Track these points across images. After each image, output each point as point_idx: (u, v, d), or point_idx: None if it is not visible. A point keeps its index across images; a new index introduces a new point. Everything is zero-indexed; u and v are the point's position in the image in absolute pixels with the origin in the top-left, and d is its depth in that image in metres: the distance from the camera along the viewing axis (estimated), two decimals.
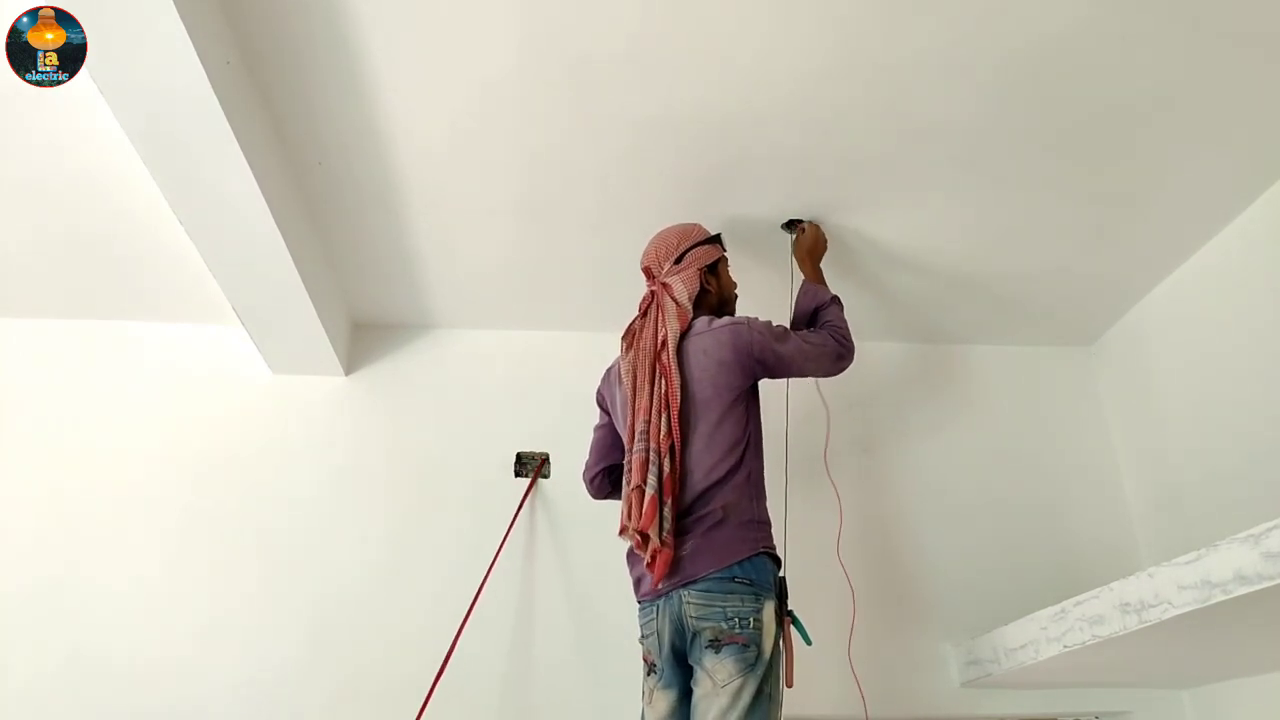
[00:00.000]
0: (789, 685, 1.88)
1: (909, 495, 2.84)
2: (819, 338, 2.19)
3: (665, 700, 1.91)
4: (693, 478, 1.94)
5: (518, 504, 2.66)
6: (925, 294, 2.79)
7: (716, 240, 2.24)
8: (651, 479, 1.88)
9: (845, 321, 2.28)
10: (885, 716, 2.50)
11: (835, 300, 2.31)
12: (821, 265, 2.43)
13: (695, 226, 2.25)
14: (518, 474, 2.75)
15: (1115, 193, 2.39)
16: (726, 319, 2.10)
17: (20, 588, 2.52)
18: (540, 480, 2.75)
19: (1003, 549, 2.77)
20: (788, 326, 2.22)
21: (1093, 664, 2.21)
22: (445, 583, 2.58)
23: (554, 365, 2.89)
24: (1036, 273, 2.71)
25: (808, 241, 2.42)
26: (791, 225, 2.46)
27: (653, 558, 1.87)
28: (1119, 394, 2.97)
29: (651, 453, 1.91)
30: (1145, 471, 2.83)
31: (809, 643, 1.95)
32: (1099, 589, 1.96)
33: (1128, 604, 1.86)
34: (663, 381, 1.99)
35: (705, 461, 1.95)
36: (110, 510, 2.62)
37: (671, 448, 1.92)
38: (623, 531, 1.95)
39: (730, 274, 2.30)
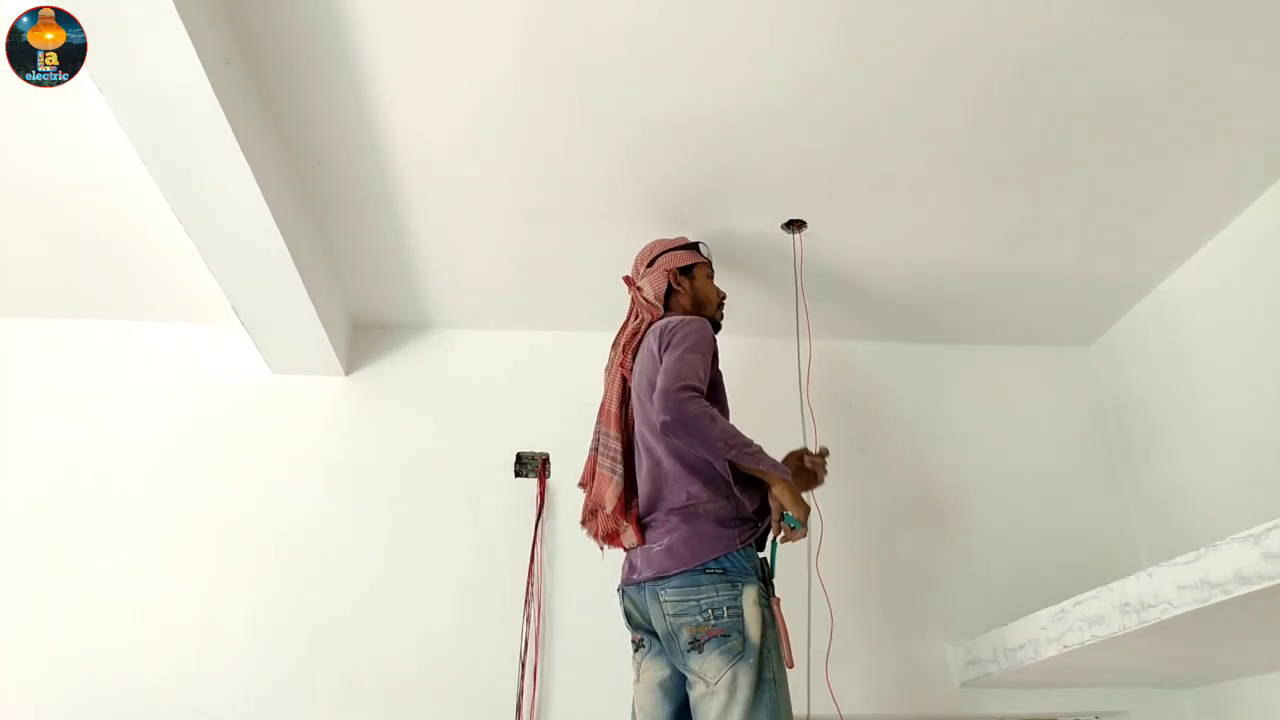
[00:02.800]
0: (789, 666, 1.81)
1: (908, 494, 2.84)
2: (696, 387, 1.85)
3: (654, 668, 1.89)
4: (656, 467, 1.97)
5: (536, 510, 2.67)
6: (924, 293, 2.79)
7: (693, 247, 2.29)
8: (605, 461, 2.06)
9: (743, 442, 1.86)
10: (885, 716, 2.50)
11: (755, 450, 1.89)
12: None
13: (675, 238, 2.34)
14: (518, 474, 2.75)
15: (1115, 193, 2.39)
16: (675, 317, 2.08)
17: (19, 587, 2.52)
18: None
19: (1002, 549, 2.77)
20: (700, 350, 1.95)
21: (1092, 664, 2.21)
22: (445, 583, 2.59)
23: (554, 365, 2.89)
24: (1036, 273, 2.71)
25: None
26: (791, 225, 2.46)
27: (612, 534, 2.04)
28: (1119, 394, 2.97)
29: (606, 439, 2.10)
30: (1145, 471, 2.83)
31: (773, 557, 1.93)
32: (1099, 589, 1.96)
33: (1128, 604, 1.86)
34: (619, 373, 2.16)
35: (657, 452, 1.96)
36: (110, 510, 2.62)
37: (624, 437, 2.09)
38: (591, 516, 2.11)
39: (711, 282, 2.28)
